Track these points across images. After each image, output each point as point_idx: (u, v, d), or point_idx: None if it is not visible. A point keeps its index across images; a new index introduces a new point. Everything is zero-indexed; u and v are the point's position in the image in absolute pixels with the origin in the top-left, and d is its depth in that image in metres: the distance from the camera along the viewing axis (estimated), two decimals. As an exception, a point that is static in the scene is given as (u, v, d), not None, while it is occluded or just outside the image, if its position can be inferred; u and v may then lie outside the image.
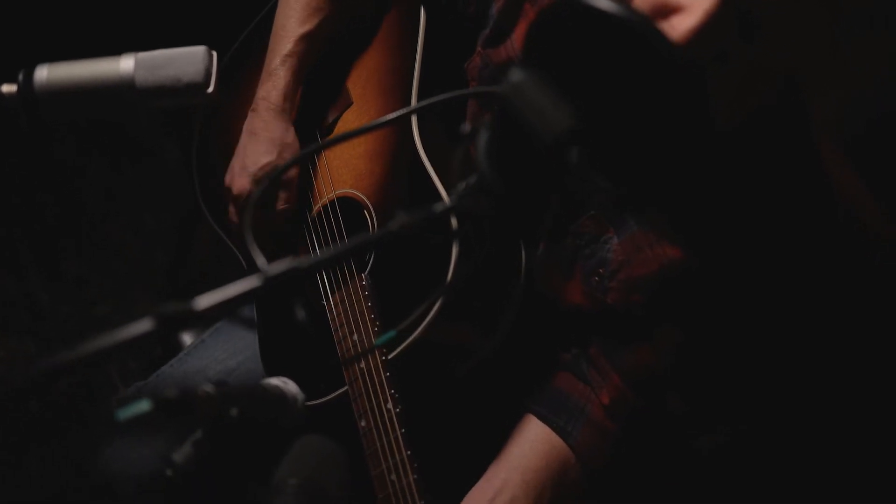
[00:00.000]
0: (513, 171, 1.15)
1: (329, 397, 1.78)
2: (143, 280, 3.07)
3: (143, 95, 1.51)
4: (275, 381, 1.44)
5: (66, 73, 1.51)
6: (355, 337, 1.78)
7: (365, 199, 1.87)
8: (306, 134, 2.01)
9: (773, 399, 1.84)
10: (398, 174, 1.86)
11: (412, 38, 1.91)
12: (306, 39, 1.99)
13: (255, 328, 1.97)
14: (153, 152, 3.19)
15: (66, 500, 2.61)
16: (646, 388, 1.74)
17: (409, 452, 1.66)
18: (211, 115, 2.17)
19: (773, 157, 1.70)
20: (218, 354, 2.07)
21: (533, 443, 1.76)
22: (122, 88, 1.51)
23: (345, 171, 1.93)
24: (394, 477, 1.66)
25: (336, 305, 1.83)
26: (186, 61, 1.51)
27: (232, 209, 2.00)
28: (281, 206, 1.95)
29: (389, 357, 1.72)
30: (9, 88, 1.51)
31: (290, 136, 1.96)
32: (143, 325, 1.10)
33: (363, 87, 1.99)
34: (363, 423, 1.71)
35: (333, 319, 1.82)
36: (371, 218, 1.85)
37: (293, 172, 1.95)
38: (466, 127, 1.18)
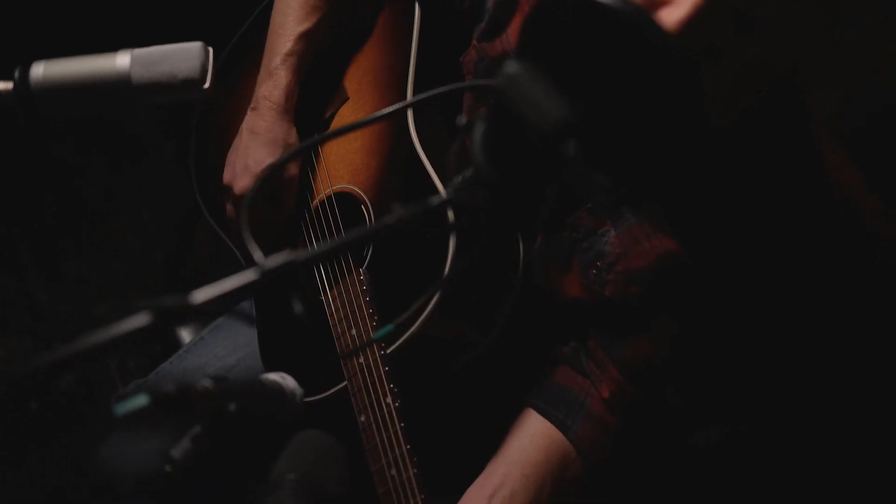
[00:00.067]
0: (509, 164, 1.15)
1: (328, 393, 1.78)
2: (142, 280, 3.08)
3: (139, 92, 1.51)
4: (273, 376, 1.44)
5: (62, 70, 1.51)
6: (354, 332, 1.78)
7: (362, 194, 1.87)
8: (303, 130, 2.01)
9: (771, 395, 1.84)
10: (395, 169, 1.86)
11: (407, 33, 1.91)
12: (305, 38, 1.99)
13: (255, 324, 1.97)
14: (152, 152, 3.19)
15: (66, 500, 2.61)
16: (644, 381, 1.74)
17: (408, 447, 1.66)
18: (208, 114, 2.17)
19: (771, 153, 1.71)
20: (217, 351, 2.08)
21: (533, 437, 1.76)
22: (119, 85, 1.51)
23: (341, 167, 1.93)
24: (394, 472, 1.66)
25: (334, 300, 1.83)
26: (182, 57, 1.51)
27: (231, 208, 2.00)
28: (281, 205, 1.95)
29: (388, 351, 1.72)
30: (5, 86, 1.52)
31: (293, 137, 1.96)
32: (141, 320, 1.10)
33: (359, 83, 1.99)
34: (362, 418, 1.71)
35: (332, 315, 1.82)
36: (368, 212, 1.85)
37: (294, 171, 1.95)
38: (462, 119, 1.18)
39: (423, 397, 1.73)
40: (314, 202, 1.95)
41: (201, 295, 1.11)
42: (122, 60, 1.51)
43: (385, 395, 1.70)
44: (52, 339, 2.89)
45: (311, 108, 2.01)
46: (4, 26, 2.77)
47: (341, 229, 1.89)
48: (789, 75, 1.65)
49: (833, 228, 1.75)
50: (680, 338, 1.74)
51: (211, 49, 1.53)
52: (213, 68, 1.51)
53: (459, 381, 1.79)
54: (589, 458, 1.76)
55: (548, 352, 1.82)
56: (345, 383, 1.76)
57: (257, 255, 1.16)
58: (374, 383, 1.72)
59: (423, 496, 1.63)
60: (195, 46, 1.51)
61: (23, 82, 1.51)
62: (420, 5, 1.93)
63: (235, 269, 2.02)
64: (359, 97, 1.98)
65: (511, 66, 1.10)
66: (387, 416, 1.69)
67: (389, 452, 1.68)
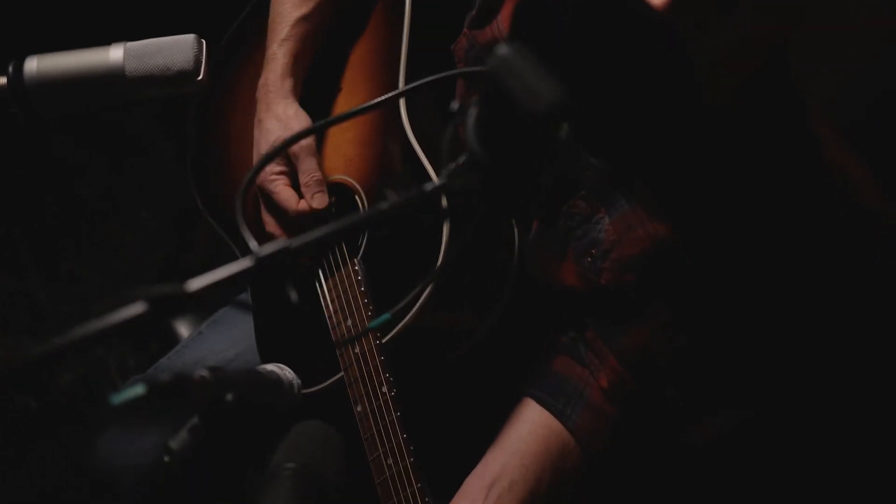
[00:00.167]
0: (502, 148, 1.15)
1: (325, 384, 1.79)
2: (142, 279, 3.07)
3: (133, 85, 1.51)
4: (271, 366, 1.44)
5: (56, 64, 1.51)
6: (349, 322, 1.78)
7: (355, 184, 1.87)
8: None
9: (768, 384, 1.84)
10: (388, 158, 1.87)
11: (399, 23, 1.91)
12: (302, 23, 1.99)
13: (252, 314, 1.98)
14: (152, 151, 3.19)
15: (66, 499, 2.61)
16: (642, 371, 1.74)
17: (405, 436, 1.66)
18: (205, 111, 2.18)
19: (767, 139, 1.71)
20: (216, 346, 2.08)
21: (532, 427, 1.76)
22: (112, 78, 1.51)
23: (335, 158, 1.93)
24: (390, 461, 1.66)
25: (329, 291, 1.83)
26: (176, 50, 1.51)
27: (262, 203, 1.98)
28: (306, 177, 1.91)
29: (384, 341, 1.72)
30: (-1, 81, 1.52)
31: (292, 110, 1.94)
32: (136, 308, 1.10)
33: (352, 74, 1.99)
34: (359, 409, 1.72)
35: (327, 305, 1.83)
36: (362, 202, 1.86)
37: (305, 142, 1.92)
38: (455, 105, 1.18)
39: (419, 387, 1.74)
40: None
41: (196, 283, 1.11)
42: (115, 53, 1.52)
43: (381, 385, 1.70)
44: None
45: (304, 100, 2.02)
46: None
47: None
48: (783, 60, 1.65)
49: (829, 215, 1.75)
50: (675, 327, 1.74)
51: (204, 41, 1.53)
52: (206, 60, 1.52)
53: (456, 370, 1.79)
54: (588, 448, 1.76)
55: (544, 341, 1.83)
56: (341, 374, 1.76)
57: (252, 242, 1.16)
58: (369, 373, 1.72)
59: (420, 485, 1.64)
60: (188, 39, 1.52)
61: (16, 77, 1.52)
62: None
63: (236, 278, 2.03)
64: (351, 88, 1.98)
65: (502, 49, 1.10)
66: (383, 405, 1.69)
67: (386, 442, 1.68)
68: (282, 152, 1.89)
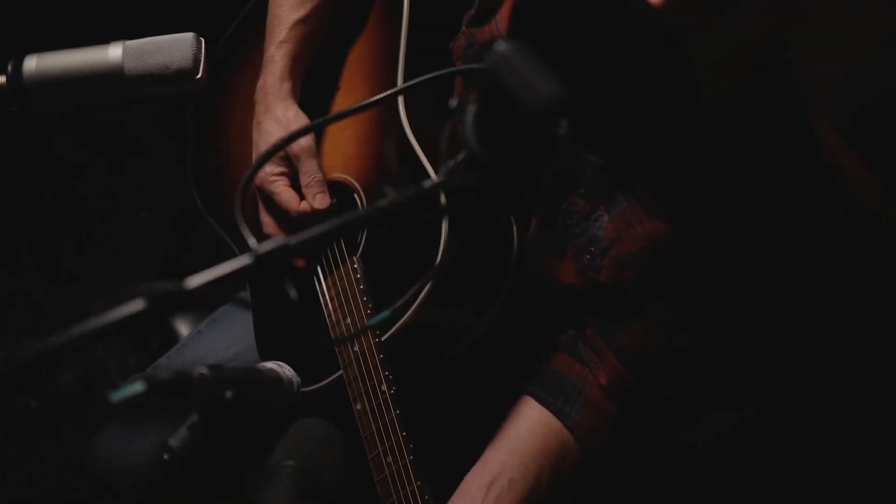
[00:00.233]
0: (501, 145, 1.15)
1: (324, 382, 1.79)
2: (142, 279, 3.07)
3: (132, 83, 1.51)
4: (270, 364, 1.44)
5: (55, 63, 1.51)
6: (348, 320, 1.78)
7: (354, 183, 1.88)
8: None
9: (768, 387, 1.84)
10: (387, 156, 1.87)
11: (397, 22, 1.91)
12: (300, 25, 1.99)
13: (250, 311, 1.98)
14: (151, 151, 3.19)
15: (66, 499, 2.61)
16: (641, 369, 1.74)
17: (404, 434, 1.67)
18: (204, 112, 2.18)
19: (766, 138, 1.71)
20: (215, 344, 2.08)
21: (531, 425, 1.77)
22: (111, 77, 1.51)
23: (334, 157, 1.93)
24: (390, 459, 1.66)
25: (329, 289, 1.83)
26: (174, 48, 1.51)
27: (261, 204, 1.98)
28: (307, 179, 1.91)
29: (383, 339, 1.72)
30: (-2, 80, 1.52)
31: (291, 112, 1.95)
32: (135, 305, 1.10)
33: (351, 73, 2.00)
34: (358, 407, 1.72)
35: (326, 304, 1.83)
36: (361, 201, 1.86)
37: (305, 143, 1.92)
38: (453, 102, 1.18)
39: (419, 385, 1.74)
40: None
41: (196, 280, 1.12)
42: (114, 52, 1.52)
43: (380, 384, 1.70)
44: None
45: (303, 100, 2.02)
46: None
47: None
48: (783, 60, 1.65)
49: (828, 215, 1.75)
50: (675, 326, 1.74)
51: (203, 39, 1.53)
52: (205, 59, 1.52)
53: (454, 368, 1.79)
54: (587, 446, 1.76)
55: (543, 339, 1.83)
56: (340, 372, 1.76)
57: (251, 240, 1.17)
58: (369, 372, 1.72)
59: (419, 483, 1.64)
60: (187, 37, 1.52)
61: (16, 76, 1.51)
62: None
63: (236, 275, 2.03)
64: (350, 87, 1.98)
65: (501, 46, 1.10)
66: (382, 403, 1.69)
67: (386, 440, 1.68)
68: (281, 150, 1.90)
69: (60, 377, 2.83)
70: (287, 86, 1.97)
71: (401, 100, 1.82)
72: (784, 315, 1.78)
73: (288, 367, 1.44)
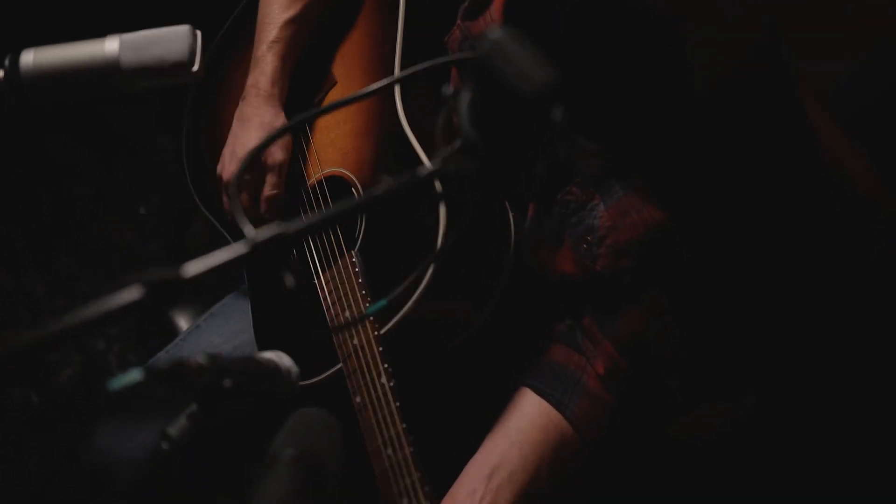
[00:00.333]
0: (496, 133, 1.15)
1: (323, 376, 1.79)
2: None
3: (128, 76, 1.51)
4: (269, 354, 1.44)
5: (52, 57, 1.51)
6: (347, 314, 1.78)
7: (351, 176, 1.88)
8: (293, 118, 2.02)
9: (765, 380, 1.84)
10: (384, 150, 1.87)
11: (393, 16, 1.92)
12: (291, 24, 2.00)
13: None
14: (149, 147, 3.20)
15: (65, 495, 2.61)
16: (638, 357, 1.75)
17: (404, 426, 1.66)
18: (201, 109, 2.18)
19: (764, 132, 1.71)
20: (214, 339, 2.08)
21: (530, 417, 1.77)
22: (108, 70, 1.51)
23: (331, 151, 1.94)
24: (390, 451, 1.66)
25: (327, 284, 1.83)
26: (171, 41, 1.51)
27: (226, 198, 2.01)
28: (268, 191, 1.95)
29: (382, 332, 1.73)
30: (-5, 74, 1.52)
31: (280, 120, 1.97)
32: (132, 294, 1.10)
33: (346, 67, 2.00)
34: (358, 399, 1.72)
35: (325, 298, 1.83)
36: (358, 194, 1.86)
37: (280, 156, 1.95)
38: (448, 90, 1.19)
39: (418, 377, 1.74)
40: (305, 187, 1.96)
41: (193, 268, 1.12)
42: (110, 45, 1.51)
43: (380, 376, 1.70)
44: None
45: (300, 95, 2.02)
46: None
47: None
48: (781, 54, 1.65)
49: (825, 209, 1.76)
50: (672, 316, 1.75)
51: (199, 32, 1.53)
52: (201, 51, 1.52)
53: (453, 360, 1.79)
54: (586, 436, 1.77)
55: (541, 330, 1.83)
56: (340, 365, 1.76)
57: (247, 228, 1.17)
58: (368, 364, 1.72)
59: (419, 474, 1.64)
60: (183, 30, 1.51)
61: (13, 70, 1.51)
62: None
63: (232, 264, 2.03)
64: (346, 80, 1.99)
65: (494, 33, 1.10)
66: (382, 396, 1.69)
67: (385, 432, 1.68)
68: (278, 139, 1.91)
69: (60, 373, 2.83)
70: (278, 89, 1.98)
71: (398, 94, 1.82)
72: (780, 308, 1.78)
73: (286, 357, 1.44)
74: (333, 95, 2.00)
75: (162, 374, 1.19)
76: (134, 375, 1.15)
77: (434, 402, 1.79)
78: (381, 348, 1.71)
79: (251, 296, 2.00)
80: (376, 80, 1.92)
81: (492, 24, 1.78)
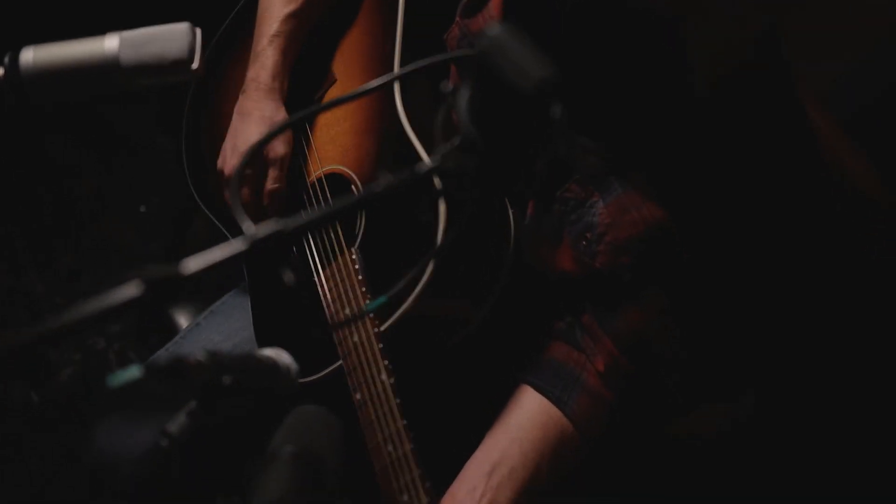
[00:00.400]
0: (496, 129, 1.16)
1: (323, 373, 1.79)
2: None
3: (128, 74, 1.51)
4: (268, 351, 1.44)
5: (52, 55, 1.51)
6: (347, 311, 1.78)
7: (351, 174, 1.88)
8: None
9: (765, 379, 1.84)
10: (384, 147, 1.87)
11: (393, 14, 1.92)
12: (292, 19, 2.00)
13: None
14: (149, 146, 3.20)
15: (65, 494, 2.61)
16: (637, 355, 1.75)
17: (404, 422, 1.67)
18: (201, 106, 2.18)
19: (764, 131, 1.71)
20: (214, 336, 2.09)
21: (530, 414, 1.77)
22: (108, 68, 1.51)
23: (331, 148, 1.94)
24: (390, 448, 1.66)
25: (327, 280, 1.84)
26: (170, 38, 1.51)
27: (226, 192, 2.01)
28: (270, 185, 1.95)
29: (382, 329, 1.73)
30: (-5, 72, 1.52)
31: (281, 115, 1.97)
32: (132, 290, 1.10)
33: (346, 65, 2.00)
34: (358, 396, 1.72)
35: (325, 295, 1.83)
36: (358, 191, 1.86)
37: (281, 150, 1.95)
38: (447, 86, 1.19)
39: (418, 374, 1.74)
40: (305, 185, 1.96)
41: (192, 264, 1.12)
42: (110, 43, 1.52)
43: (380, 373, 1.70)
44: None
45: (300, 92, 2.02)
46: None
47: None
48: (781, 53, 1.65)
49: (825, 209, 1.76)
50: (672, 314, 1.75)
51: (199, 29, 1.53)
52: (201, 48, 1.52)
53: (453, 357, 1.79)
54: (585, 434, 1.77)
55: (541, 327, 1.83)
56: (340, 362, 1.76)
57: (246, 224, 1.17)
58: (368, 361, 1.72)
59: (419, 471, 1.64)
60: (183, 27, 1.52)
61: (13, 68, 1.52)
62: None
63: (231, 260, 2.03)
64: (346, 78, 1.99)
65: (493, 29, 1.11)
66: (382, 393, 1.69)
67: (386, 429, 1.68)
68: (281, 133, 1.92)
69: (60, 372, 2.84)
70: (278, 84, 1.98)
71: (397, 91, 1.82)
72: (780, 308, 1.78)
73: (286, 354, 1.44)
74: (333, 93, 2.00)
75: (161, 371, 1.19)
76: (133, 372, 1.15)
77: (434, 399, 1.79)
78: (381, 345, 1.72)
79: (251, 293, 2.01)
80: (376, 78, 1.92)
81: (490, 21, 1.79)
